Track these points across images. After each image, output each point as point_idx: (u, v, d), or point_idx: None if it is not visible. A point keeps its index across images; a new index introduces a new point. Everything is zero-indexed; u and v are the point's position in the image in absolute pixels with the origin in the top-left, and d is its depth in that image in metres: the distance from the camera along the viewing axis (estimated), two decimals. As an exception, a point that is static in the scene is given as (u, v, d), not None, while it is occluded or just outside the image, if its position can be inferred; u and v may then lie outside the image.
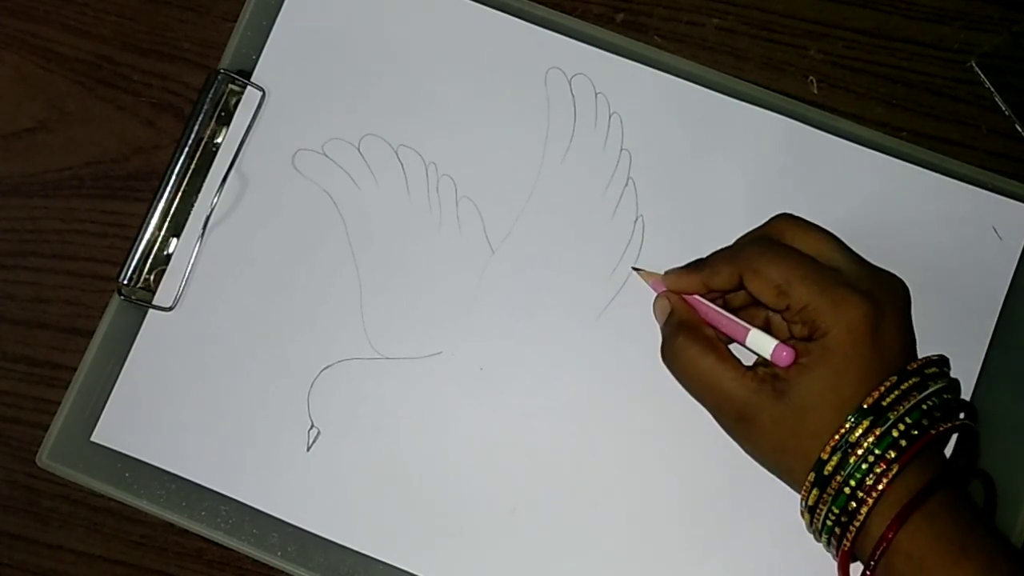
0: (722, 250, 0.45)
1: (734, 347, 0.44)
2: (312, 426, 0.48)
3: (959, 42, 0.52)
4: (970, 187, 0.49)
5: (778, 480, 0.43)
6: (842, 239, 0.44)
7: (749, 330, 0.42)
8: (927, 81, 0.52)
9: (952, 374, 0.45)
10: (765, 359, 0.42)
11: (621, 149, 0.50)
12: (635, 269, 0.49)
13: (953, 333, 0.48)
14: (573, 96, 0.50)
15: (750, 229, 0.46)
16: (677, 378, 0.44)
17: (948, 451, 0.45)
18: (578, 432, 0.48)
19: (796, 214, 0.45)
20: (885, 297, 0.41)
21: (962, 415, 0.41)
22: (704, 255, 0.47)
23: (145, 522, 0.50)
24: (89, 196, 0.52)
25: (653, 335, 0.48)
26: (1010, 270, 0.49)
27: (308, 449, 0.48)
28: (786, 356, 0.41)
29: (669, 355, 0.44)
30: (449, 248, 0.50)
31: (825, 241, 0.43)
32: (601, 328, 0.49)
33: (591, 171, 0.50)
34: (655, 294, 0.47)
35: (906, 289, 0.43)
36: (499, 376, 0.49)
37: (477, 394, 0.48)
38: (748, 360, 0.43)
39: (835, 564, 0.41)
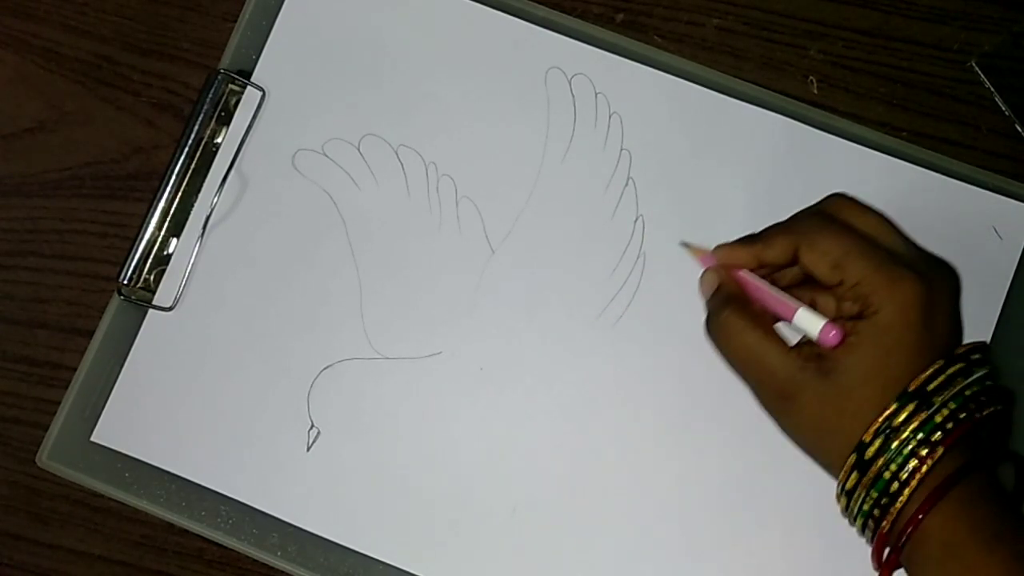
0: (777, 224, 0.44)
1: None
2: (312, 426, 0.48)
3: (959, 42, 0.52)
4: (970, 187, 0.49)
5: (778, 480, 0.42)
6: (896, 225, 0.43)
7: (798, 308, 0.41)
8: (927, 81, 0.52)
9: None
10: (812, 340, 0.41)
11: (621, 149, 0.50)
12: (684, 244, 0.48)
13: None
14: (573, 96, 0.50)
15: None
16: (721, 351, 0.43)
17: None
18: (578, 432, 0.48)
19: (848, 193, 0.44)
20: (938, 280, 0.41)
21: (998, 403, 0.40)
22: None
23: (145, 522, 0.50)
24: (89, 196, 0.52)
25: (654, 335, 0.48)
26: (1010, 270, 0.49)
27: (308, 449, 0.48)
28: (834, 336, 0.40)
29: (714, 328, 0.43)
30: (449, 248, 0.50)
31: (881, 223, 0.42)
32: (601, 328, 0.49)
33: (591, 171, 0.50)
34: (655, 295, 0.47)
35: (957, 276, 0.42)
36: (499, 376, 0.49)
37: (477, 394, 0.48)
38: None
39: (835, 564, 0.41)
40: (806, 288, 0.44)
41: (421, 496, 0.48)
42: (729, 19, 0.52)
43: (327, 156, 0.50)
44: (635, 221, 0.50)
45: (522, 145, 0.50)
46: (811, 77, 0.52)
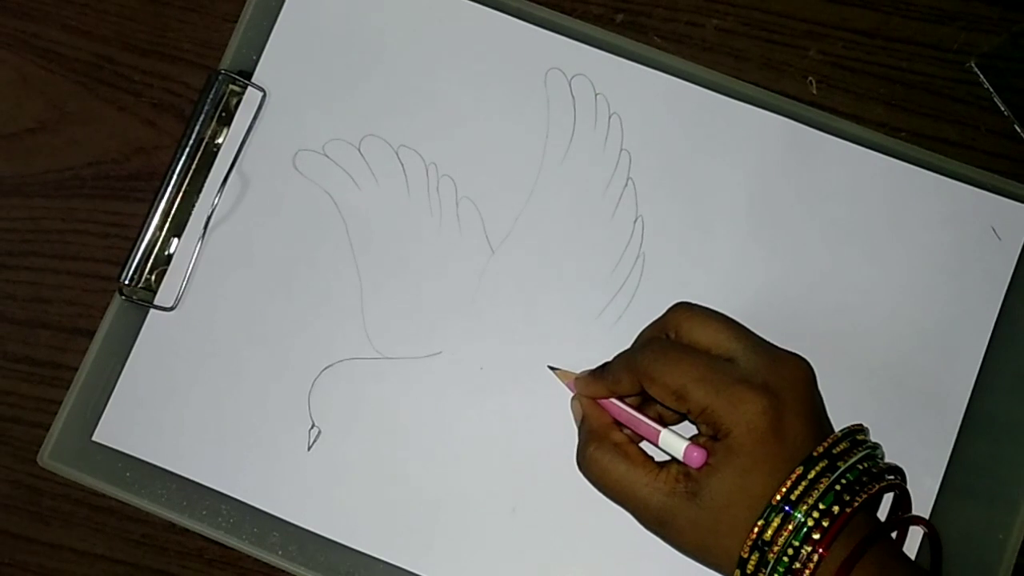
0: (623, 354, 0.45)
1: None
2: (313, 426, 0.48)
3: (959, 42, 0.52)
4: (969, 187, 0.49)
5: None
6: (740, 324, 0.43)
7: (660, 431, 0.42)
8: (926, 81, 0.52)
9: (949, 376, 0.45)
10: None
11: (621, 149, 0.50)
12: (551, 368, 0.49)
13: (952, 333, 0.49)
14: (573, 96, 0.50)
15: (650, 322, 0.46)
16: (593, 485, 0.44)
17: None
18: (577, 432, 0.48)
19: (691, 302, 0.45)
20: (784, 385, 0.41)
21: (886, 477, 0.40)
22: (704, 255, 0.48)
23: (146, 521, 0.50)
24: (90, 196, 0.52)
25: (653, 335, 0.48)
26: (1009, 270, 0.49)
27: (309, 448, 0.48)
28: (697, 456, 0.41)
29: (582, 465, 0.44)
30: (449, 248, 0.50)
31: (720, 331, 0.42)
32: (601, 328, 0.49)
33: (591, 171, 0.50)
34: (655, 295, 0.47)
35: (809, 369, 0.42)
36: (499, 376, 0.49)
37: (477, 394, 0.49)
38: (662, 455, 0.43)
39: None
40: None
41: (421, 495, 0.48)
42: (729, 19, 0.52)
43: (327, 156, 0.50)
44: (635, 221, 0.50)
45: (522, 145, 0.50)
46: (811, 77, 0.52)
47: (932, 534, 0.43)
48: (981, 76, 0.51)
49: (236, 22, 0.51)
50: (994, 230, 0.49)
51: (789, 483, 0.39)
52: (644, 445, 0.45)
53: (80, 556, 0.50)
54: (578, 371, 0.47)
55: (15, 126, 0.52)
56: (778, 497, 0.39)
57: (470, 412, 0.48)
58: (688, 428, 0.46)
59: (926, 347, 0.48)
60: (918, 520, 0.43)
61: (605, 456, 0.43)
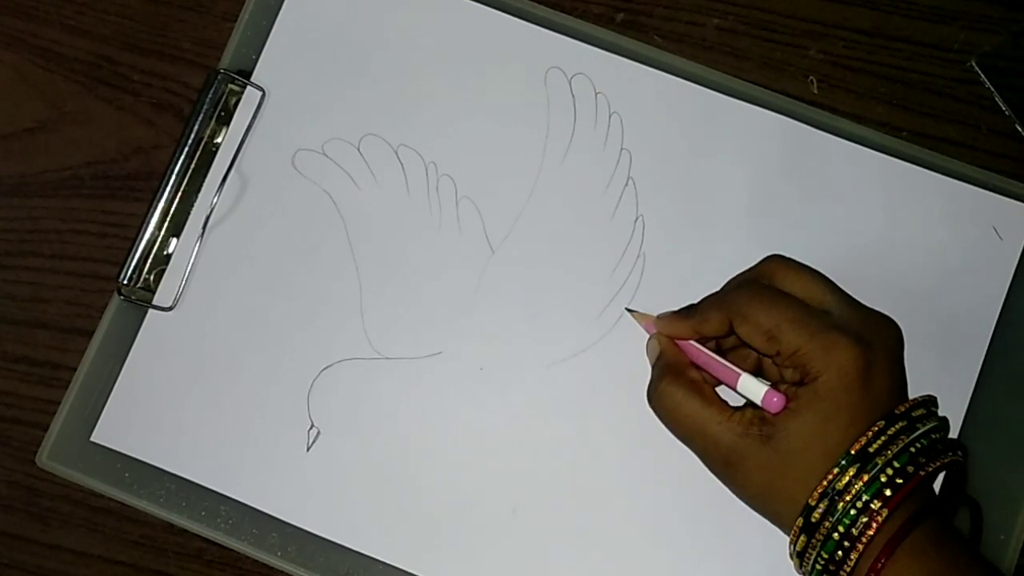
0: (712, 296, 0.45)
1: (726, 390, 0.44)
2: (312, 426, 0.48)
3: (959, 42, 0.52)
4: (970, 187, 0.49)
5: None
6: (834, 282, 0.43)
7: (740, 375, 0.42)
8: (927, 81, 0.52)
9: (949, 376, 0.45)
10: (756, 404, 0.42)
11: (621, 149, 0.50)
12: (628, 310, 0.49)
13: (953, 333, 0.48)
14: (573, 96, 0.50)
15: (741, 271, 0.46)
16: (662, 421, 0.44)
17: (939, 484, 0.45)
18: (578, 432, 0.48)
19: (786, 255, 0.45)
20: (876, 340, 0.41)
21: (950, 453, 0.40)
22: (704, 255, 0.47)
23: (145, 522, 0.50)
24: (89, 196, 0.52)
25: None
26: (1010, 270, 0.49)
27: (308, 449, 0.48)
28: (776, 402, 0.40)
29: (653, 398, 0.44)
30: (449, 248, 0.50)
31: (815, 283, 0.43)
32: (601, 327, 0.49)
33: (591, 171, 0.50)
34: (655, 295, 0.47)
35: (898, 330, 0.42)
36: (499, 376, 0.49)
37: (477, 394, 0.48)
38: (737, 401, 0.43)
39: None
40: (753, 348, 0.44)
41: (421, 496, 0.48)
42: (729, 19, 0.52)
43: (327, 156, 0.50)
44: (635, 221, 0.50)
45: (522, 145, 0.50)
46: (811, 77, 0.52)
47: (975, 513, 0.43)
48: (982, 75, 0.51)
49: (235, 21, 0.51)
50: (995, 230, 0.49)
51: (870, 434, 0.39)
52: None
53: (78, 557, 0.50)
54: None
55: (14, 126, 0.52)
56: (857, 447, 0.39)
57: (470, 412, 0.48)
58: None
59: (927, 347, 0.48)
60: (970, 500, 0.43)
61: (679, 391, 0.42)
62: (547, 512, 0.48)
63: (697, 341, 0.45)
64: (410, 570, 0.47)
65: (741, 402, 0.43)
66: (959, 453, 0.40)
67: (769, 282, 0.44)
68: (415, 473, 0.48)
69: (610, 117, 0.50)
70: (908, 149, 0.50)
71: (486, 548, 0.47)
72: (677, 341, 0.45)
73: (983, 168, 0.50)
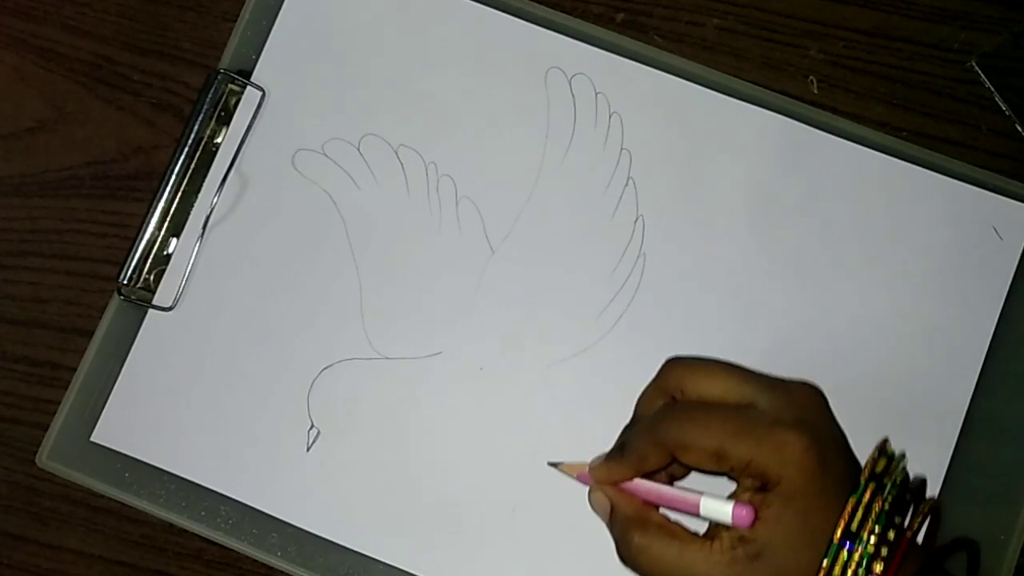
0: (638, 430, 0.42)
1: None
2: (312, 426, 0.48)
3: (959, 42, 0.52)
4: (970, 187, 0.49)
5: None
6: (739, 366, 0.42)
7: (700, 499, 0.40)
8: (927, 81, 0.52)
9: (950, 376, 0.45)
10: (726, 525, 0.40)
11: (621, 149, 0.50)
12: (552, 464, 0.47)
13: (954, 333, 0.48)
14: (573, 96, 0.50)
15: (645, 385, 0.44)
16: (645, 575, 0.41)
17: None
18: (578, 432, 0.48)
19: (680, 356, 0.43)
20: (812, 417, 0.40)
21: (924, 497, 0.40)
22: (705, 255, 0.47)
23: (145, 522, 0.50)
24: (89, 196, 0.52)
25: (654, 335, 0.48)
26: (1011, 270, 0.49)
27: (308, 449, 0.48)
28: (746, 515, 0.39)
29: (630, 558, 0.41)
30: (449, 248, 0.50)
31: (728, 377, 0.41)
32: (601, 327, 0.49)
33: (591, 171, 0.50)
34: (655, 295, 0.47)
35: (822, 394, 0.41)
36: (499, 376, 0.49)
37: (477, 394, 0.48)
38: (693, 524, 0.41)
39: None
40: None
41: (421, 496, 0.48)
42: (729, 19, 0.52)
43: (327, 156, 0.50)
44: (635, 221, 0.50)
45: (522, 145, 0.50)
46: (811, 77, 0.52)
47: (972, 554, 0.42)
48: (982, 76, 0.51)
49: (236, 21, 0.51)
50: (995, 230, 0.49)
51: (846, 514, 0.38)
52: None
53: (78, 557, 0.50)
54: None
55: (14, 126, 0.52)
56: (838, 532, 0.38)
57: (470, 412, 0.48)
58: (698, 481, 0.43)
59: (927, 347, 0.48)
60: (968, 542, 0.41)
61: (654, 542, 0.40)
62: (547, 512, 0.48)
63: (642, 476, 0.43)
64: (410, 570, 0.47)
65: (701, 525, 0.41)
66: (934, 497, 0.40)
67: (681, 393, 0.42)
68: (415, 473, 0.48)
69: (610, 117, 0.50)
70: (908, 149, 0.50)
71: (486, 548, 0.47)
72: (622, 485, 0.43)
73: (983, 168, 0.50)
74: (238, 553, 0.48)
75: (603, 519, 0.43)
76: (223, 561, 0.50)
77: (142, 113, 0.52)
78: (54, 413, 0.49)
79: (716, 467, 0.40)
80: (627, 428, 0.45)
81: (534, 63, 0.50)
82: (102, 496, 0.49)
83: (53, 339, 0.51)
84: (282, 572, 0.48)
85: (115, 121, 0.52)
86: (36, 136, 0.52)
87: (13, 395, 0.51)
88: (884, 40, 0.52)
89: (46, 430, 0.49)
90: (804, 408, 0.40)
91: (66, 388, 0.49)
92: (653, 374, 0.44)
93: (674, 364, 0.43)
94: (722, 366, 0.42)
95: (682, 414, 0.41)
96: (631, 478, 0.43)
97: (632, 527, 0.41)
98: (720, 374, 0.42)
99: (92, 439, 0.49)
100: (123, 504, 0.49)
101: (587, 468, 0.44)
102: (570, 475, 0.46)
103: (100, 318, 0.49)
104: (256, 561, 0.48)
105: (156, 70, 0.53)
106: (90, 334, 0.49)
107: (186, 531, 0.48)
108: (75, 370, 0.49)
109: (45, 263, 0.52)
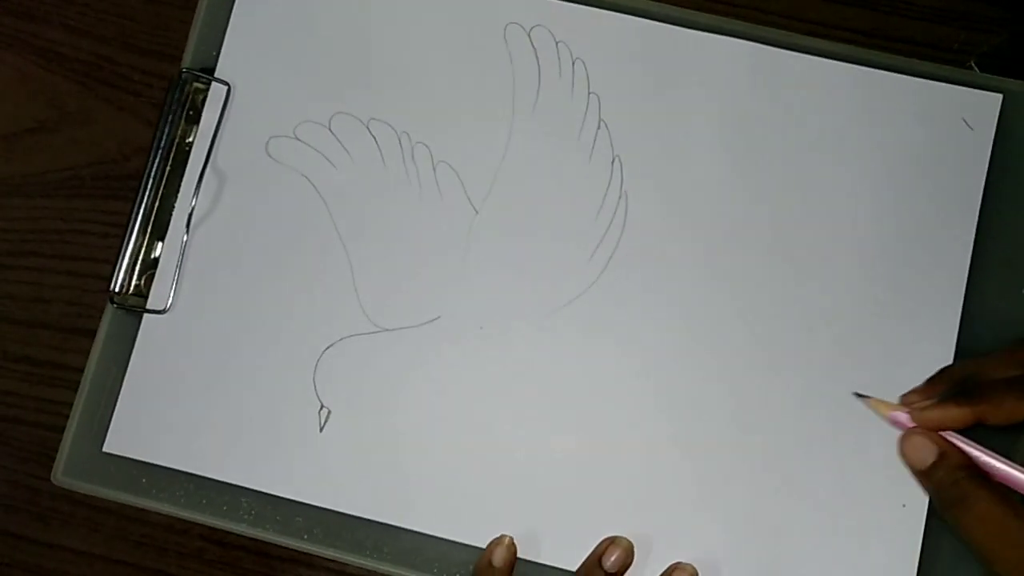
0: (998, 382, 0.39)
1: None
2: (322, 407, 0.48)
3: (959, 42, 0.52)
4: (937, 83, 0.50)
5: (784, 439, 0.42)
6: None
7: None
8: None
9: (941, 272, 0.45)
10: None
11: (589, 93, 0.50)
12: (860, 396, 0.43)
13: (939, 230, 0.49)
14: (534, 48, 0.51)
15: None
16: (977, 544, 0.36)
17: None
18: (584, 376, 0.48)
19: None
20: None
21: None
22: (685, 186, 0.47)
23: (146, 522, 0.50)
24: (89, 196, 0.52)
25: (646, 270, 0.49)
26: (985, 158, 0.49)
27: (321, 430, 0.48)
28: None
29: (969, 521, 0.36)
30: (433, 214, 0.50)
31: None
32: (594, 269, 0.49)
33: (562, 119, 0.50)
34: (642, 231, 0.47)
35: None
36: (500, 333, 0.49)
37: (480, 353, 0.48)
38: None
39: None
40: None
41: (437, 461, 0.48)
42: (729, 19, 0.52)
43: (300, 140, 0.50)
44: (612, 162, 0.50)
45: (491, 103, 0.50)
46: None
47: None
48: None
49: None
50: (965, 121, 0.49)
51: None
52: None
53: (79, 556, 0.50)
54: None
55: (15, 126, 0.53)
56: None
57: (475, 372, 0.48)
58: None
59: (915, 247, 0.48)
60: None
61: (998, 508, 0.36)
62: (561, 461, 0.47)
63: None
64: (437, 534, 0.47)
65: None
66: None
67: None
68: (428, 439, 0.48)
69: (573, 64, 0.50)
70: (873, 56, 0.50)
71: (509, 506, 0.47)
72: (942, 434, 0.39)
73: (949, 65, 0.50)
74: (238, 552, 0.48)
75: (918, 466, 0.39)
76: (223, 561, 0.50)
77: (143, 113, 0.53)
78: (55, 413, 0.49)
79: None
80: (945, 371, 0.41)
81: (492, 20, 0.51)
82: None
83: (54, 339, 0.51)
84: (283, 571, 0.47)
85: (116, 121, 0.53)
86: (37, 136, 0.52)
87: (14, 395, 0.51)
88: (884, 40, 0.52)
89: (48, 430, 0.49)
90: None
91: (67, 388, 0.49)
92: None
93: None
94: None
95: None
96: (965, 426, 0.39)
97: (970, 480, 0.37)
98: None
99: (104, 449, 0.48)
100: (123, 504, 0.48)
101: (901, 409, 0.40)
102: (879, 413, 0.42)
103: (101, 318, 0.49)
104: (257, 560, 0.48)
105: (157, 70, 0.53)
106: (91, 334, 0.49)
107: (187, 531, 0.49)
108: (77, 370, 0.49)
109: (46, 263, 0.52)
